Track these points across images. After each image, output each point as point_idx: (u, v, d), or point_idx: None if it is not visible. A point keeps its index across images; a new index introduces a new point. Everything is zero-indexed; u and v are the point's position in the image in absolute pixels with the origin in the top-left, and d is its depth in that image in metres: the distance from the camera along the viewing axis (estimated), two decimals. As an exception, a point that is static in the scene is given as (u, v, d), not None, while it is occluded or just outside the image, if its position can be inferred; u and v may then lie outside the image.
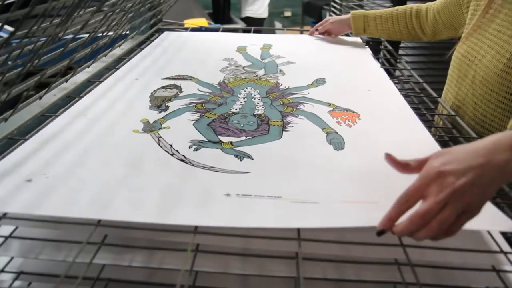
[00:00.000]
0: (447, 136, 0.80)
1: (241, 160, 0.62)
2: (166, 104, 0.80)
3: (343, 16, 1.23)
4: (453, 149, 0.45)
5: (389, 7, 1.40)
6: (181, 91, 0.87)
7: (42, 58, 0.70)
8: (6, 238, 0.49)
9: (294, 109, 0.80)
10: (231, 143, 0.67)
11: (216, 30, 1.46)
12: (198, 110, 0.79)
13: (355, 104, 0.81)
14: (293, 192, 0.54)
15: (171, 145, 0.65)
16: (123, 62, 1.04)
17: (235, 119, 0.75)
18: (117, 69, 0.98)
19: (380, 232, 0.44)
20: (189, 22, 1.82)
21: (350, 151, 0.65)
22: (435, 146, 0.67)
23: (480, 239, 0.51)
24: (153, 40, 1.25)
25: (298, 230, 0.47)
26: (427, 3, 1.07)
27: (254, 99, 0.85)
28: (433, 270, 0.49)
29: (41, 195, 0.51)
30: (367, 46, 1.23)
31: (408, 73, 1.11)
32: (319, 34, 1.30)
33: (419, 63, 1.67)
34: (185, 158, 0.62)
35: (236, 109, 0.79)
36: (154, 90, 0.87)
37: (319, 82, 0.94)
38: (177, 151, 0.64)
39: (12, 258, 0.51)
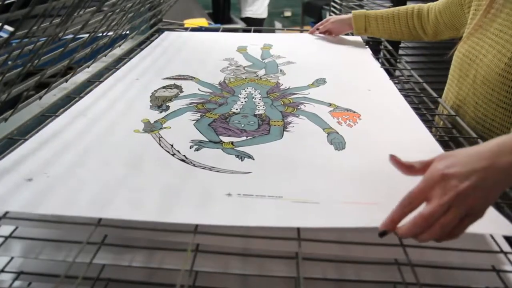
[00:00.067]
0: (447, 136, 0.80)
1: (242, 160, 0.62)
2: (167, 104, 0.80)
3: (344, 16, 1.23)
4: (458, 152, 0.45)
5: (389, 7, 1.40)
6: (181, 91, 0.87)
7: (42, 58, 0.70)
8: (6, 238, 0.49)
9: (295, 109, 0.80)
10: (232, 143, 0.67)
11: (216, 30, 1.46)
12: (199, 110, 0.79)
13: (355, 104, 0.81)
14: (294, 192, 0.54)
15: (172, 145, 0.65)
16: (123, 62, 1.04)
17: (236, 119, 0.75)
18: (118, 69, 0.98)
19: (382, 233, 0.44)
20: (189, 22, 1.82)
21: (351, 151, 0.65)
22: (436, 146, 0.67)
23: (480, 239, 0.51)
24: (153, 40, 1.25)
25: (298, 230, 0.47)
26: (429, 3, 1.07)
27: (255, 99, 0.85)
28: (433, 270, 0.49)
29: (41, 194, 0.51)
30: (367, 46, 1.23)
31: (408, 73, 1.11)
32: (320, 33, 1.31)
33: (419, 63, 1.67)
34: (186, 158, 0.62)
35: (236, 109, 0.79)
36: (155, 90, 0.87)
37: (320, 82, 0.94)
38: (178, 151, 0.64)
39: (12, 258, 0.51)
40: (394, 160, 0.48)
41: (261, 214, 0.50)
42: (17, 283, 0.51)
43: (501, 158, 0.42)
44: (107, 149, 0.63)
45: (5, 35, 0.53)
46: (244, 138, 0.69)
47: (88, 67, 0.97)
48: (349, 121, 0.75)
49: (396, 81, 1.00)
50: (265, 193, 0.53)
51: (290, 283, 0.50)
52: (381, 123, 0.75)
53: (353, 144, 0.67)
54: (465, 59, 0.85)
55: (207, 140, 0.67)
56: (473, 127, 0.80)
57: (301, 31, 1.53)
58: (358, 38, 1.29)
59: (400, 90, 0.90)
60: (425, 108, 0.93)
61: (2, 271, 0.50)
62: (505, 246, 0.50)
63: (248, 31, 1.45)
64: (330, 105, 0.82)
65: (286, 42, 1.27)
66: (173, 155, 0.63)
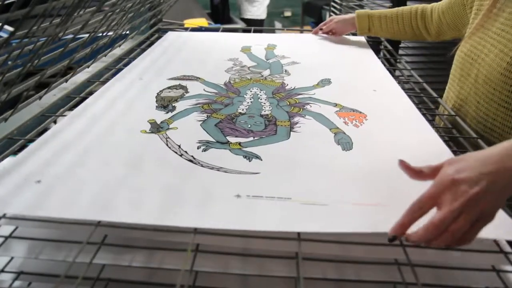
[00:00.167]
0: (447, 136, 0.80)
1: (250, 161, 0.62)
2: (173, 105, 0.80)
3: (348, 16, 1.23)
4: (467, 156, 0.45)
5: (389, 7, 1.41)
6: (187, 92, 0.87)
7: (42, 58, 0.70)
8: (6, 238, 0.49)
9: (301, 110, 0.80)
10: (239, 143, 0.67)
11: (216, 30, 1.46)
12: (205, 110, 0.78)
13: (361, 104, 0.81)
14: (303, 194, 0.54)
15: (179, 146, 0.65)
16: (123, 62, 1.04)
17: (243, 119, 0.75)
18: (120, 69, 0.98)
19: (392, 239, 0.44)
20: (189, 22, 1.82)
21: (358, 152, 0.65)
22: (443, 147, 0.67)
23: (480, 239, 0.51)
24: (153, 40, 1.24)
25: (298, 230, 0.47)
26: (432, 4, 1.07)
27: (261, 99, 0.85)
28: (433, 270, 0.49)
29: (42, 195, 0.51)
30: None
31: (408, 73, 1.11)
32: (323, 33, 1.31)
33: (419, 63, 1.67)
34: (194, 158, 0.62)
35: (243, 110, 0.79)
36: (160, 91, 0.86)
37: (325, 82, 0.94)
38: (186, 151, 0.64)
39: (12, 258, 0.51)
40: (403, 165, 0.48)
41: (270, 217, 0.49)
42: (17, 283, 0.51)
43: (509, 161, 0.42)
44: (111, 150, 0.63)
45: (5, 35, 0.53)
46: (251, 138, 0.69)
47: (88, 67, 0.97)
48: (356, 121, 0.75)
49: (396, 81, 1.00)
50: (275, 195, 0.53)
51: (290, 283, 0.50)
52: (387, 124, 0.74)
53: (360, 145, 0.67)
54: (467, 58, 0.85)
55: (214, 141, 0.67)
56: (474, 127, 0.80)
57: (301, 31, 1.53)
58: (361, 38, 1.29)
59: (400, 90, 0.90)
60: (425, 108, 0.93)
61: (2, 271, 0.50)
62: (505, 246, 0.50)
63: (248, 31, 1.45)
64: (336, 105, 0.82)
65: (290, 42, 1.27)
66: (181, 155, 0.63)
